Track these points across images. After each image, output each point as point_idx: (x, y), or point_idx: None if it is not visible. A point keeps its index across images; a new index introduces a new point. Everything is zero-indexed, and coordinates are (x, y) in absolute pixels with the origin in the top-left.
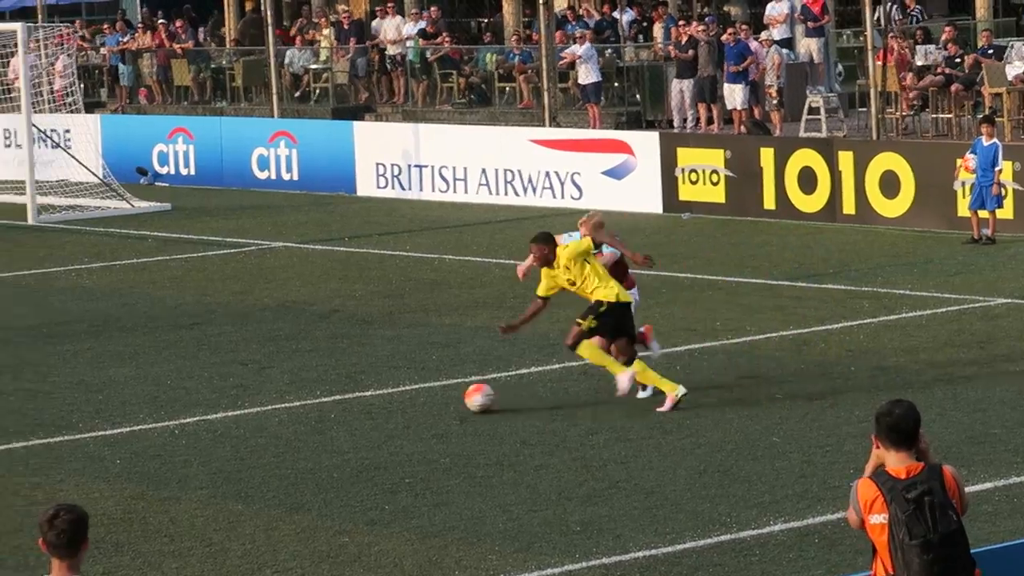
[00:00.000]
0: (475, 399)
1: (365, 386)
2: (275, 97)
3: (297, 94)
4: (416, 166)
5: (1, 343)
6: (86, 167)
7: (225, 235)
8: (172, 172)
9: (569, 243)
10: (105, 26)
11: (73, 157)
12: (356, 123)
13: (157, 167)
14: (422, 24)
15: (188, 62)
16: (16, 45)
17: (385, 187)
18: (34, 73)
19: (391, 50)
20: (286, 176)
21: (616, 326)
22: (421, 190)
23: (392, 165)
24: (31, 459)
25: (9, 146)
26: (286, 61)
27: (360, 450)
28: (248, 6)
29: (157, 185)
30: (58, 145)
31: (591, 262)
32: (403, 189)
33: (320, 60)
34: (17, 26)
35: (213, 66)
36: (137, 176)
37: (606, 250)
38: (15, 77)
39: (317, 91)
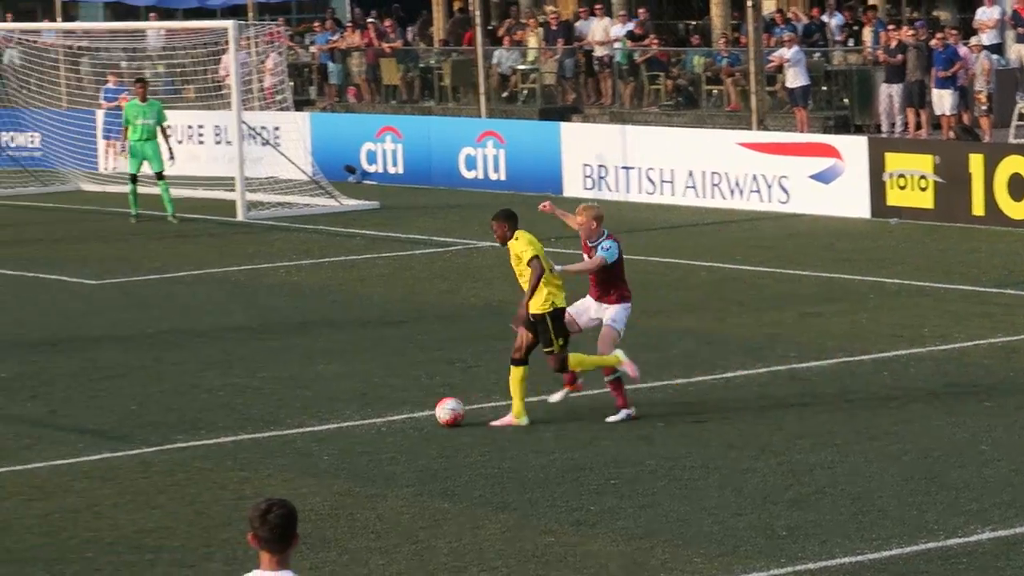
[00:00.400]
0: (447, 405)
1: None
2: (483, 97)
3: (505, 94)
4: (623, 168)
5: (211, 338)
6: (295, 164)
7: (432, 234)
8: (380, 171)
9: (520, 241)
10: (316, 24)
11: (282, 154)
12: (563, 124)
13: (365, 165)
14: (630, 26)
15: (397, 61)
16: (227, 42)
17: (592, 188)
18: (245, 70)
19: (599, 51)
20: (493, 176)
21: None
22: (628, 192)
23: (599, 166)
24: (240, 454)
25: (219, 143)
26: (494, 61)
27: (566, 450)
28: (456, 6)
29: (365, 183)
30: (268, 142)
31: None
32: (610, 190)
33: (528, 60)
34: (229, 23)
35: (421, 65)
36: (345, 174)
37: (599, 252)
38: (226, 74)
39: (525, 91)
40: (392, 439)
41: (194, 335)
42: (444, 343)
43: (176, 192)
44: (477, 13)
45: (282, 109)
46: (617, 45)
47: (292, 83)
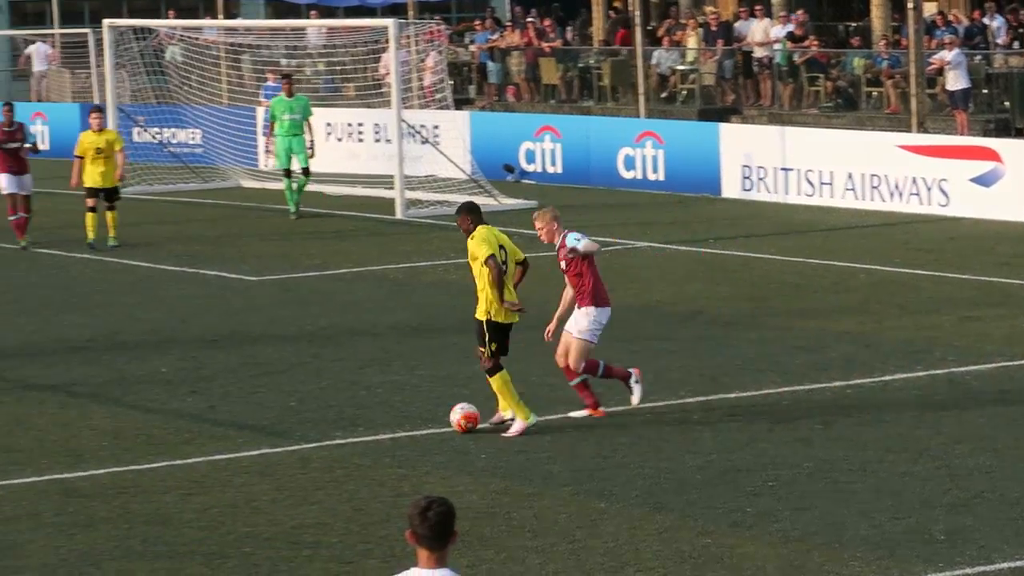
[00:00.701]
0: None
1: (728, 388)
2: (642, 97)
3: (664, 95)
4: (782, 169)
5: (370, 336)
6: (454, 163)
7: (590, 234)
8: (539, 170)
9: (475, 240)
10: (477, 23)
11: (442, 153)
12: (722, 125)
13: (524, 165)
14: (790, 27)
15: (556, 61)
16: (387, 40)
17: (750, 189)
18: (405, 69)
19: (758, 52)
20: (652, 176)
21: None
22: (786, 193)
23: (758, 168)
24: (398, 451)
25: (379, 141)
26: (653, 61)
27: (723, 451)
28: (616, 6)
29: (524, 182)
30: (427, 141)
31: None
32: (768, 192)
33: (687, 61)
34: (389, 22)
35: (580, 65)
36: (504, 173)
37: (571, 243)
38: (386, 72)
39: (684, 92)
40: (549, 438)
41: (353, 332)
42: (601, 343)
43: (335, 189)
44: (637, 13)
45: (442, 108)
46: (777, 46)
47: (452, 82)
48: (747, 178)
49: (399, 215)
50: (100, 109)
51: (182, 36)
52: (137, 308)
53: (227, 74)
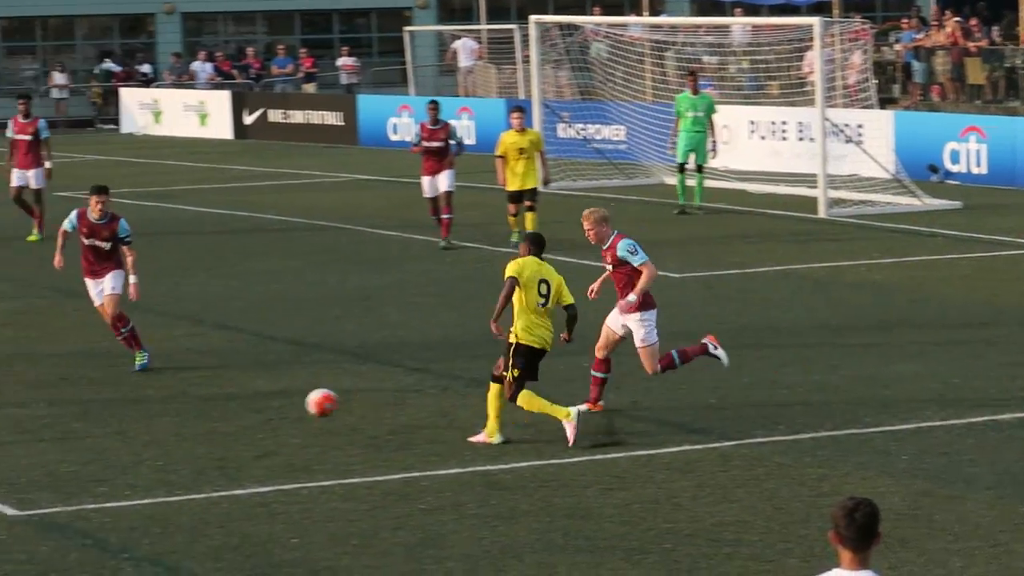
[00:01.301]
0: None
1: None
2: None
3: None
4: None
5: (790, 335)
6: (878, 163)
7: (1017, 235)
8: (963, 171)
9: (512, 264)
10: (903, 21)
11: (865, 152)
12: None
13: (949, 165)
14: None
15: (982, 60)
16: (812, 39)
17: None
18: (829, 67)
19: None
20: None
21: (530, 365)
22: None
23: None
24: (818, 451)
25: (802, 139)
26: None
27: None
28: None
29: (947, 183)
30: (851, 140)
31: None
32: None
33: None
34: (814, 20)
35: (1007, 65)
36: (927, 173)
37: (631, 260)
38: (810, 71)
39: None
40: (972, 440)
41: (773, 330)
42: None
43: (758, 188)
44: None
45: (866, 107)
46: None
47: (876, 81)
48: None
49: (822, 214)
50: (521, 108)
51: (607, 33)
52: None
53: (651, 71)
